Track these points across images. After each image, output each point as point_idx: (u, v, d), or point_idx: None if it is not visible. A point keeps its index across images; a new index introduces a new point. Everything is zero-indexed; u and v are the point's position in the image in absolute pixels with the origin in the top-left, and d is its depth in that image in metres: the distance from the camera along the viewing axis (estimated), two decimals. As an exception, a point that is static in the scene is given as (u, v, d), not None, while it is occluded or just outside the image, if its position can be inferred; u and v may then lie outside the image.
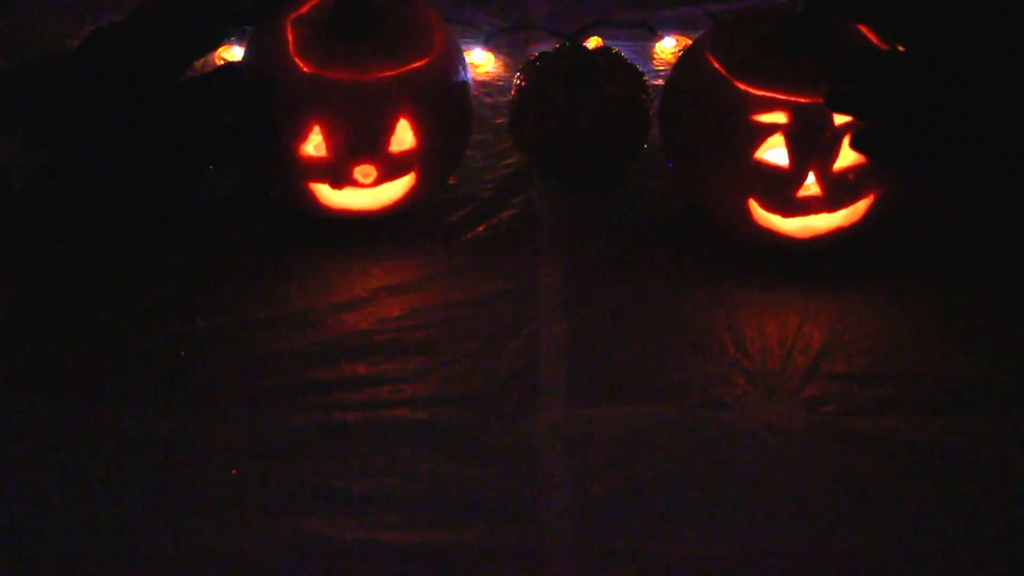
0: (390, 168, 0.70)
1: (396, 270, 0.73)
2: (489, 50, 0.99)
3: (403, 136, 0.70)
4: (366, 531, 0.55)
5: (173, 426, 0.61)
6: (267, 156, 0.69)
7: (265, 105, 0.65)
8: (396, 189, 0.72)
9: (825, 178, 0.67)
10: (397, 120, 0.69)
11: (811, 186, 0.67)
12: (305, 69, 0.68)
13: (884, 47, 0.68)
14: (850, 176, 0.67)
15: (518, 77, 0.81)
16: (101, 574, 0.54)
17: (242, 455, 0.59)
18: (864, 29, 0.69)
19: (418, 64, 0.69)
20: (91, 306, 0.69)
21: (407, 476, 0.58)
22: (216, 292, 0.70)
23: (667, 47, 1.01)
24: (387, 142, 0.69)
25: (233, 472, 0.59)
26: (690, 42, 0.99)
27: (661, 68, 0.97)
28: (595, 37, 1.00)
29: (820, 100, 0.64)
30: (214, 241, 0.74)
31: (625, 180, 0.81)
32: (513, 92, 0.81)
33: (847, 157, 0.67)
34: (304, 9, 0.70)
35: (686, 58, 0.73)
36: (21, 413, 0.62)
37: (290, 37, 0.69)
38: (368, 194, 0.71)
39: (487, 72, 0.94)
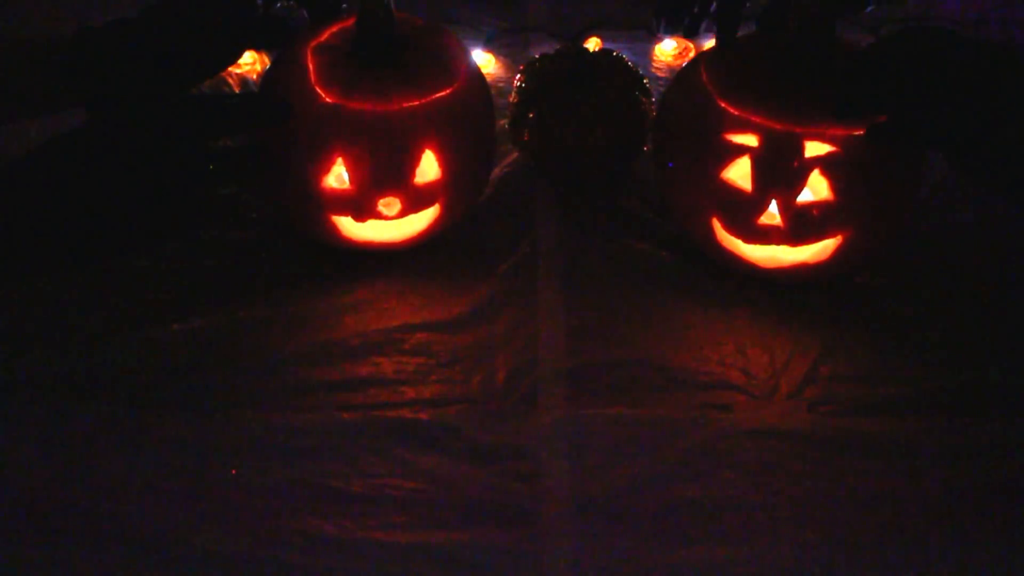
0: (415, 200, 0.69)
1: (395, 271, 0.73)
2: (489, 51, 1.00)
3: (428, 167, 0.68)
4: (366, 531, 0.55)
5: (174, 426, 0.61)
6: (270, 182, 0.69)
7: (281, 130, 0.65)
8: (420, 221, 0.71)
9: (788, 209, 0.65)
10: (422, 151, 0.67)
11: (773, 215, 0.66)
12: (328, 99, 0.66)
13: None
14: (814, 212, 0.65)
15: (518, 78, 0.81)
16: (102, 573, 0.54)
17: (242, 455, 0.59)
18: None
19: (443, 94, 0.68)
20: (90, 306, 0.69)
21: (407, 476, 0.58)
22: (216, 292, 0.70)
23: (667, 49, 1.01)
24: (412, 174, 0.67)
25: (233, 472, 0.59)
26: (690, 45, 1.01)
27: (660, 70, 0.97)
28: (595, 39, 1.00)
29: (793, 128, 0.64)
30: (213, 242, 0.74)
31: (625, 181, 0.82)
32: (513, 93, 0.81)
33: (814, 192, 0.66)
34: (324, 37, 0.68)
35: (686, 68, 0.73)
36: (21, 414, 0.62)
37: (311, 66, 0.66)
38: (392, 226, 0.70)
39: (487, 73, 0.94)
